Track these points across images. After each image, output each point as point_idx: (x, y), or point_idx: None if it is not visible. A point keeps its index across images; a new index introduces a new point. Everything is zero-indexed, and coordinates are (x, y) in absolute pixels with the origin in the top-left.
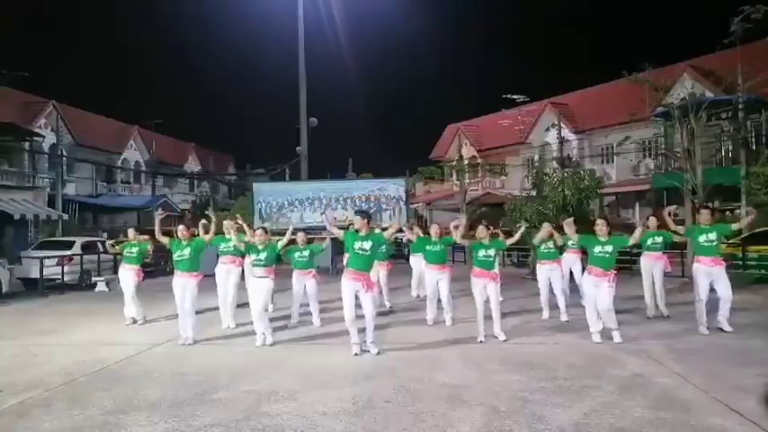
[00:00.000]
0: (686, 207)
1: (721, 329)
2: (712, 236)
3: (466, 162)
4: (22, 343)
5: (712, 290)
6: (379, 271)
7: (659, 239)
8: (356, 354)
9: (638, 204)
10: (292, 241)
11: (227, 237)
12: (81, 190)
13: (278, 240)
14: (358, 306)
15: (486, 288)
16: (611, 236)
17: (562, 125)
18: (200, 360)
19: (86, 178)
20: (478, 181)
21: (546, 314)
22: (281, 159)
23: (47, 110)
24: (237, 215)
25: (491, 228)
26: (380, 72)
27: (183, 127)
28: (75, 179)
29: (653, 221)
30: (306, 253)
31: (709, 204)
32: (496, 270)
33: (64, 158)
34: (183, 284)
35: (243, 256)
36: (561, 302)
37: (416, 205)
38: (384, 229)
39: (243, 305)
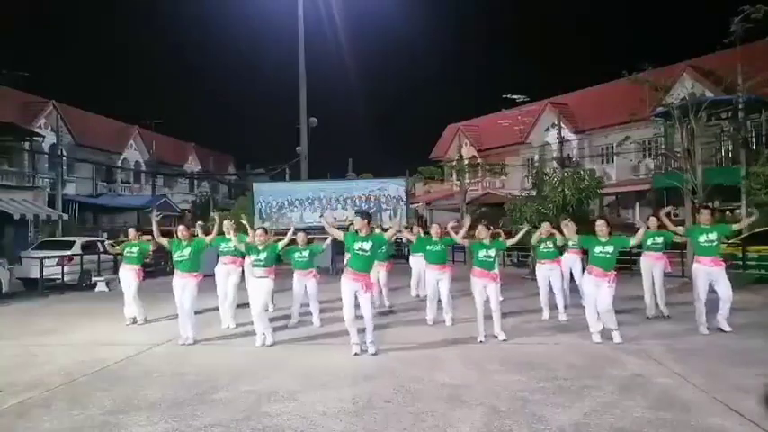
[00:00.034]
0: (686, 207)
1: (721, 329)
2: (712, 236)
3: (466, 162)
4: (22, 343)
5: (712, 290)
6: (379, 271)
7: (659, 240)
8: (356, 354)
9: (638, 204)
10: (293, 241)
11: (227, 237)
12: (81, 190)
13: (278, 240)
14: (357, 306)
15: (485, 288)
16: (612, 236)
17: (562, 125)
18: (200, 360)
19: (86, 178)
20: (478, 181)
21: (546, 314)
22: (281, 159)
23: (47, 110)
24: (243, 215)
25: (491, 228)
26: (380, 72)
27: (183, 127)
28: (75, 179)
29: (653, 221)
30: (305, 253)
31: (710, 204)
32: (496, 270)
33: (64, 158)
34: (183, 285)
35: (243, 257)
36: (560, 302)
37: (416, 205)
38: (384, 230)
39: (243, 305)
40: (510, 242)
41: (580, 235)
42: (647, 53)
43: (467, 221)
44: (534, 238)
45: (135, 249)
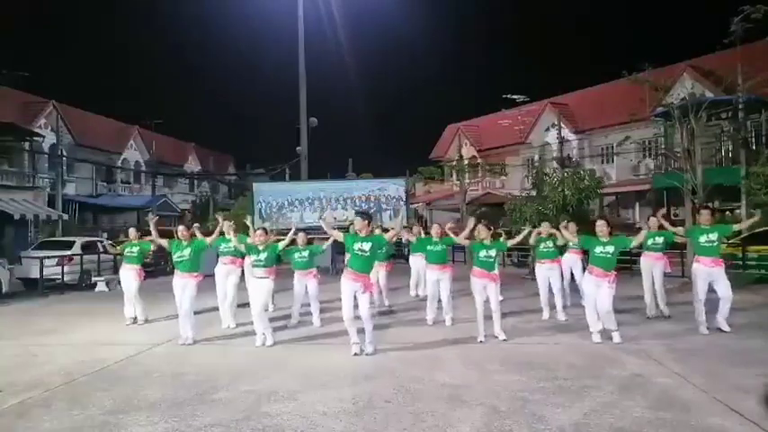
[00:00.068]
0: (686, 207)
1: (720, 329)
2: (713, 236)
3: (466, 162)
4: (22, 343)
5: (712, 290)
6: (379, 271)
7: (660, 240)
8: (356, 354)
9: (638, 204)
10: (293, 242)
11: (227, 237)
12: (81, 190)
13: (278, 241)
14: (356, 306)
15: (485, 288)
16: (613, 236)
17: (562, 125)
18: (200, 360)
19: (86, 178)
20: (478, 181)
21: (546, 314)
22: (281, 159)
23: (47, 110)
24: (249, 216)
25: (492, 228)
26: (380, 72)
27: (183, 127)
28: (75, 179)
29: (653, 222)
30: (305, 253)
31: (710, 205)
32: (496, 271)
33: (64, 158)
34: (183, 285)
35: (243, 257)
36: (558, 302)
37: (416, 205)
38: (385, 230)
39: (243, 305)
40: (511, 243)
41: (580, 235)
42: (647, 53)
43: (470, 223)
44: (532, 238)
45: (135, 249)
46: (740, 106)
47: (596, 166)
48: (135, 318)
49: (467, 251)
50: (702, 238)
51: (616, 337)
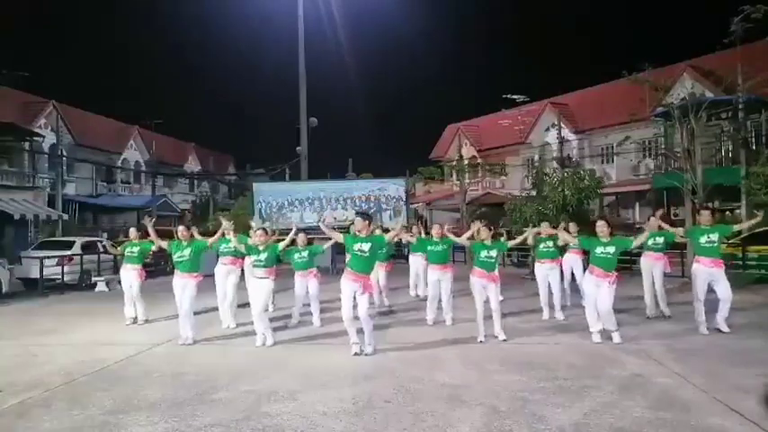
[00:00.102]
0: (686, 207)
1: (719, 330)
2: (713, 237)
3: (466, 162)
4: (22, 343)
5: (711, 290)
6: (379, 272)
7: (660, 240)
8: (356, 354)
9: (638, 204)
10: (293, 242)
11: (227, 238)
12: (81, 190)
13: (278, 241)
14: (356, 306)
15: (485, 289)
16: (614, 237)
17: (562, 125)
18: (200, 360)
19: (86, 178)
20: (478, 181)
21: (546, 314)
22: (281, 159)
23: (47, 110)
24: (253, 222)
25: (492, 228)
26: (380, 72)
27: (183, 127)
28: (75, 179)
29: (653, 222)
30: (305, 254)
31: (710, 205)
32: (497, 272)
33: (64, 158)
34: (183, 285)
35: (243, 257)
36: (557, 301)
37: (416, 205)
38: (385, 230)
39: (243, 305)
40: (511, 243)
41: (581, 236)
42: (647, 53)
43: (474, 227)
44: (529, 238)
45: (136, 249)
46: (740, 106)
47: (596, 166)
48: (135, 318)
49: (467, 251)
50: (703, 239)
51: (616, 338)
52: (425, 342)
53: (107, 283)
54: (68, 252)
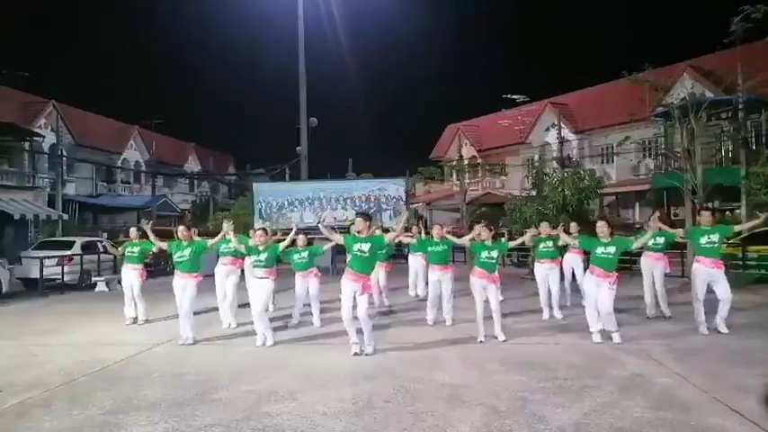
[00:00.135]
0: (686, 207)
1: (718, 330)
2: (714, 237)
3: (466, 162)
4: (22, 343)
5: (711, 291)
6: (379, 272)
7: (661, 240)
8: (356, 354)
9: (638, 204)
10: (293, 242)
11: (227, 238)
12: (81, 190)
13: (279, 241)
14: (355, 307)
15: (485, 289)
16: (614, 237)
17: (562, 125)
18: (200, 360)
19: (86, 178)
20: (478, 181)
21: (546, 314)
22: (281, 159)
23: (47, 110)
24: (257, 227)
25: (492, 228)
26: (380, 71)
27: (183, 127)
28: (75, 179)
29: (654, 223)
30: (305, 254)
31: (710, 205)
32: (497, 272)
33: (64, 158)
34: (183, 285)
35: (243, 258)
36: (555, 301)
37: (416, 205)
38: (385, 231)
39: (244, 305)
40: (512, 244)
41: (581, 236)
42: (647, 53)
43: (476, 230)
44: (527, 238)
45: (136, 249)
46: (740, 106)
47: (596, 166)
48: (135, 318)
49: (467, 252)
50: (703, 239)
51: (616, 338)
52: (425, 342)
53: (107, 283)
54: (68, 252)
